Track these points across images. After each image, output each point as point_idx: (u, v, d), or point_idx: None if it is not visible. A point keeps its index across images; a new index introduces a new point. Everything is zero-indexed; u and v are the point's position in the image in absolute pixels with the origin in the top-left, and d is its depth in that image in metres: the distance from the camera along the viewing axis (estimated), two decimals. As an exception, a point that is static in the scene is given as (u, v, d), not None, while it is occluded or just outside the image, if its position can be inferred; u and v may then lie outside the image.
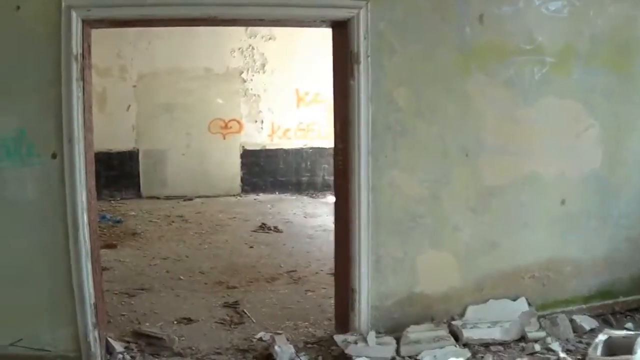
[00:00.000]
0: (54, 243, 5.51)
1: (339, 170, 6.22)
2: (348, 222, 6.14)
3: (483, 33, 6.35)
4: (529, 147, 6.73)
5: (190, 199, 15.75)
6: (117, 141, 15.50)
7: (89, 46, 5.51)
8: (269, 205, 15.02)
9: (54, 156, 5.37)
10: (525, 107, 6.62)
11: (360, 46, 5.83)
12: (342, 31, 5.97)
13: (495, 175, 6.59)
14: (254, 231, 12.16)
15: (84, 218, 5.40)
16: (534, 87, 6.60)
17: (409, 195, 6.25)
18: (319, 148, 16.60)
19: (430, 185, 6.32)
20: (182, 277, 8.97)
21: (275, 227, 12.34)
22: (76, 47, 5.23)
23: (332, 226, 12.14)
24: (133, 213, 13.96)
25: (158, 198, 15.81)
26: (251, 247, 10.92)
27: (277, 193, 16.50)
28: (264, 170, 16.51)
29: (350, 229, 6.12)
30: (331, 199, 15.38)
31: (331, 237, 11.23)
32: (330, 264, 9.28)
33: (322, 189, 16.65)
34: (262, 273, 9.22)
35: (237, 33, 15.79)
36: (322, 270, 9.31)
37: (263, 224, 12.59)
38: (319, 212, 14.17)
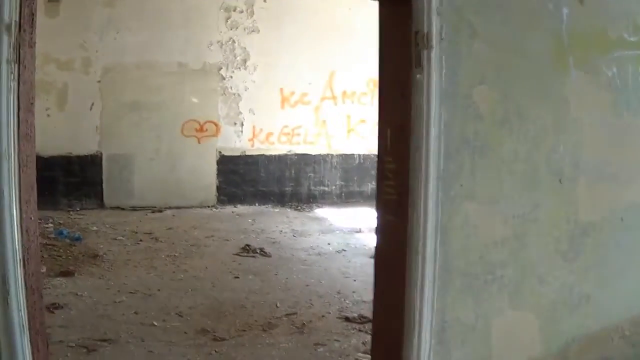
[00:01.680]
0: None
1: (390, 202, 4.38)
2: (403, 278, 4.28)
3: (584, 16, 4.68)
4: (631, 170, 5.00)
5: (160, 211, 14.03)
6: (78, 144, 13.95)
7: (33, 14, 3.62)
8: (249, 220, 13.29)
9: (-31, 180, 3.48)
10: (628, 116, 4.94)
11: (432, 24, 4.00)
12: (401, 4, 4.11)
13: (592, 207, 4.93)
14: (237, 254, 10.39)
15: (17, 273, 3.50)
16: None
17: (488, 238, 4.43)
18: (304, 155, 15.21)
19: (515, 224, 4.53)
20: (155, 323, 7.11)
21: (261, 250, 10.57)
22: (9, 12, 3.34)
23: (326, 248, 10.77)
24: (95, 228, 12.10)
25: (123, 209, 14.04)
26: (237, 277, 9.13)
27: (257, 204, 14.90)
28: (243, 179, 14.90)
29: (407, 288, 4.26)
30: (320, 212, 14.02)
31: (329, 263, 9.81)
32: (336, 302, 7.86)
33: (307, 200, 15.15)
34: (255, 316, 7.41)
35: (216, 24, 14.34)
36: (329, 313, 7.56)
37: (247, 245, 10.81)
38: (308, 229, 12.48)
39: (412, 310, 4.25)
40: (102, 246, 10.62)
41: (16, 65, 3.37)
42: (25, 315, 3.58)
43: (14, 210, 3.43)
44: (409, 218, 4.16)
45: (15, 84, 3.37)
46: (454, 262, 4.31)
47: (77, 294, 7.99)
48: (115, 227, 12.18)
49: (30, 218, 3.65)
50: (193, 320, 7.21)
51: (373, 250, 9.95)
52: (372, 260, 9.59)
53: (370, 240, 11.12)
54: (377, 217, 4.65)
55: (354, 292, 8.39)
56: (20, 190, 3.46)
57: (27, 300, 3.58)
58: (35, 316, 3.72)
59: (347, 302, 7.99)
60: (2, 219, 3.40)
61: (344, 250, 10.67)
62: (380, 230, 4.62)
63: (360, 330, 7.02)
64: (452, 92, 4.12)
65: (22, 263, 3.51)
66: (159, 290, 8.33)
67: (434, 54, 4.00)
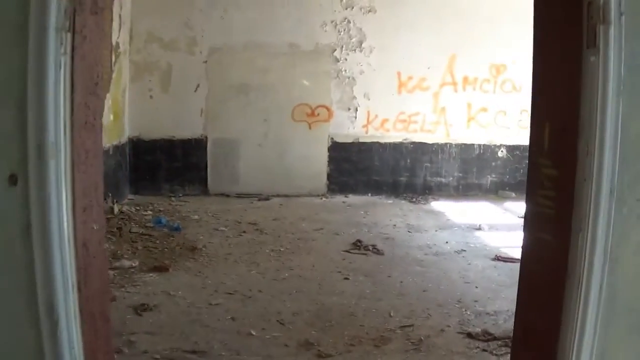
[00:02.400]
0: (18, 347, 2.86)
1: (546, 217, 3.44)
2: (556, 312, 3.36)
3: None
4: None
5: (267, 199, 13.40)
6: (182, 127, 13.50)
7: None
8: (361, 212, 12.48)
9: (12, 180, 2.70)
10: None
11: (609, -7, 3.05)
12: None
13: None
14: (348, 251, 9.59)
15: (69, 300, 2.74)
16: None
17: (667, 269, 3.44)
18: (421, 143, 14.28)
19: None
20: (253, 332, 6.34)
21: (373, 247, 9.73)
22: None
23: (444, 247, 9.86)
24: (196, 216, 11.52)
25: (228, 196, 13.51)
26: (346, 277, 8.31)
27: (369, 195, 14.12)
28: (356, 168, 14.12)
29: (562, 326, 3.33)
30: (436, 206, 13.16)
31: (447, 264, 8.96)
32: (456, 313, 7.09)
33: (422, 192, 14.26)
34: (365, 327, 6.57)
35: (330, 3, 13.56)
36: (448, 327, 6.66)
37: (358, 240, 10.01)
38: (424, 224, 11.55)
39: (566, 352, 3.33)
40: (202, 237, 10.00)
41: (69, 35, 2.59)
42: (81, 351, 2.82)
43: (65, 222, 2.66)
44: (571, 239, 3.22)
45: (68, 58, 2.60)
46: (621, 296, 3.37)
47: (169, 294, 7.34)
48: (218, 216, 11.58)
49: (93, 228, 2.90)
50: (296, 330, 6.43)
51: (495, 252, 9.11)
52: (494, 264, 8.78)
53: (491, 240, 10.33)
54: (525, 232, 3.73)
55: (475, 301, 7.46)
56: (74, 195, 2.69)
57: (82, 332, 2.81)
58: (96, 350, 2.96)
59: (468, 313, 7.07)
60: (48, 233, 2.62)
61: (463, 251, 9.73)
62: (528, 249, 3.69)
63: (484, 350, 6.10)
64: (632, 81, 3.17)
65: (76, 287, 2.75)
66: (260, 291, 7.59)
67: (612, 31, 3.05)
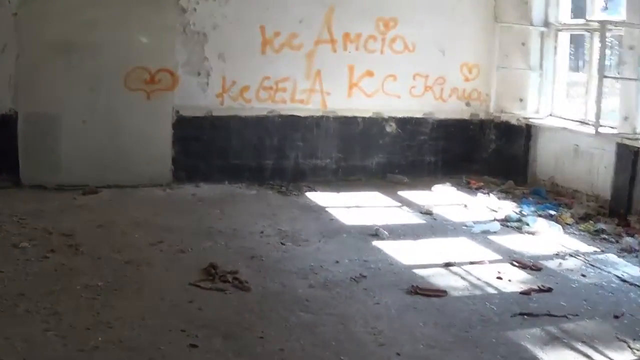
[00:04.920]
0: None
1: None
2: None
3: None
4: None
5: (94, 192, 10.35)
6: None
7: None
8: (217, 211, 9.66)
9: None
10: None
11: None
12: None
13: None
14: (196, 284, 6.74)
15: None
16: None
17: None
18: (291, 117, 11.85)
19: None
20: None
21: (234, 276, 6.93)
22: None
23: (335, 271, 7.25)
24: (-6, 224, 8.44)
25: (45, 188, 10.34)
26: (193, 345, 5.46)
27: (227, 183, 11.41)
28: (209, 149, 11.47)
29: None
30: (313, 197, 10.63)
31: (344, 305, 6.35)
32: None
33: (294, 178, 11.82)
34: None
35: None
36: None
37: (212, 265, 7.14)
38: (302, 229, 8.93)
39: None
40: None
41: None
42: None
43: None
44: None
45: None
46: None
47: None
48: (25, 222, 8.56)
49: None
50: None
51: (406, 276, 7.40)
52: (412, 301, 6.68)
53: (396, 254, 7.98)
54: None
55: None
56: None
57: None
58: None
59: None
60: None
61: (363, 277, 7.14)
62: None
63: None
64: None
65: None
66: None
67: None
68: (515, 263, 7.82)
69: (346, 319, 6.04)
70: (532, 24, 11.58)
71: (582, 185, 10.67)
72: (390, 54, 11.90)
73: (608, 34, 10.25)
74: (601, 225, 9.27)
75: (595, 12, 10.72)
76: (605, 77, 10.09)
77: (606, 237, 8.95)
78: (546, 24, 11.58)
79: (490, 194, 10.92)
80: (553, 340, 5.82)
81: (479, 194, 10.92)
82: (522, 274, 7.53)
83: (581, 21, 11.20)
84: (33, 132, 10.56)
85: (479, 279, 7.33)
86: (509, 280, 7.27)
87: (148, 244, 7.94)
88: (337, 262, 7.55)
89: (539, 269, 7.66)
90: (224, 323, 5.84)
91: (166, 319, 5.86)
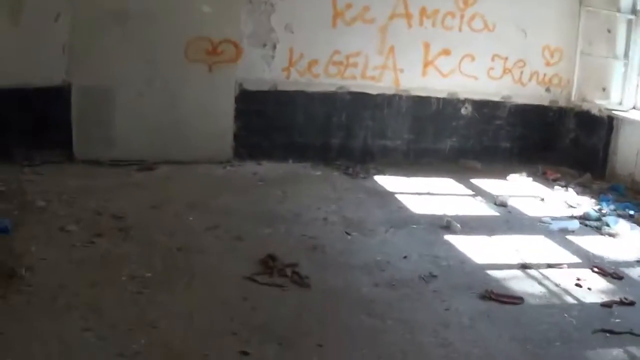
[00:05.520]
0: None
1: None
2: None
3: None
4: None
5: (150, 168, 9.85)
6: (37, 71, 9.68)
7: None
8: (279, 192, 9.11)
9: None
10: None
11: None
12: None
13: None
14: (252, 278, 6.20)
15: None
16: None
17: None
18: (361, 94, 11.14)
19: None
20: None
21: (293, 270, 6.37)
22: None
23: (402, 268, 6.73)
24: (42, 203, 7.87)
25: (100, 164, 9.79)
26: (244, 351, 4.89)
27: (290, 161, 10.84)
28: (273, 125, 10.88)
29: None
30: (381, 181, 10.13)
31: (412, 310, 5.82)
32: None
33: (362, 158, 11.15)
34: None
35: None
36: None
37: (269, 257, 6.59)
38: (368, 217, 8.33)
39: None
40: (33, 248, 6.47)
41: None
42: None
43: None
44: None
45: None
46: None
47: None
48: (74, 201, 8.02)
49: None
50: None
51: (480, 277, 6.69)
52: (486, 308, 6.02)
53: (468, 251, 7.39)
54: None
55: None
56: None
57: None
58: None
59: None
60: None
61: (433, 277, 6.55)
62: None
63: None
64: None
65: None
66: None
67: None
68: (595, 269, 7.13)
69: (413, 326, 5.48)
70: (619, 11, 10.73)
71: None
72: (468, 32, 11.21)
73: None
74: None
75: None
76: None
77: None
78: (634, 11, 10.71)
79: (569, 187, 10.20)
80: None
81: (556, 187, 10.24)
82: (603, 282, 6.86)
83: (672, 10, 10.40)
84: (87, 105, 10.08)
85: (557, 285, 6.68)
86: (589, 289, 6.61)
87: (203, 228, 7.43)
88: (405, 257, 6.98)
89: (620, 278, 6.97)
90: (280, 326, 5.32)
91: (216, 319, 5.37)
